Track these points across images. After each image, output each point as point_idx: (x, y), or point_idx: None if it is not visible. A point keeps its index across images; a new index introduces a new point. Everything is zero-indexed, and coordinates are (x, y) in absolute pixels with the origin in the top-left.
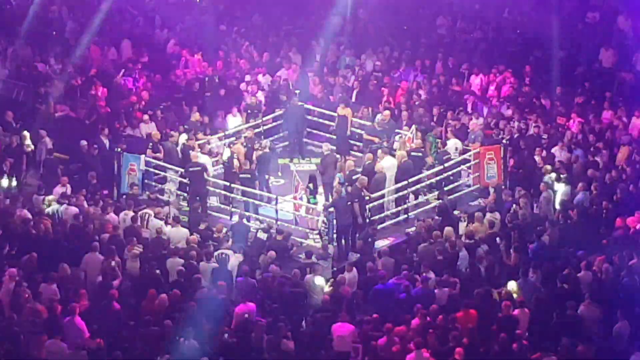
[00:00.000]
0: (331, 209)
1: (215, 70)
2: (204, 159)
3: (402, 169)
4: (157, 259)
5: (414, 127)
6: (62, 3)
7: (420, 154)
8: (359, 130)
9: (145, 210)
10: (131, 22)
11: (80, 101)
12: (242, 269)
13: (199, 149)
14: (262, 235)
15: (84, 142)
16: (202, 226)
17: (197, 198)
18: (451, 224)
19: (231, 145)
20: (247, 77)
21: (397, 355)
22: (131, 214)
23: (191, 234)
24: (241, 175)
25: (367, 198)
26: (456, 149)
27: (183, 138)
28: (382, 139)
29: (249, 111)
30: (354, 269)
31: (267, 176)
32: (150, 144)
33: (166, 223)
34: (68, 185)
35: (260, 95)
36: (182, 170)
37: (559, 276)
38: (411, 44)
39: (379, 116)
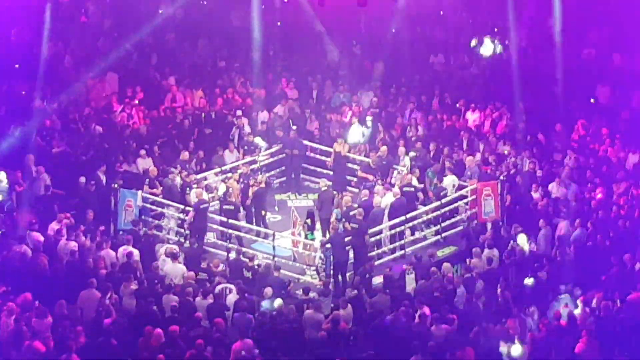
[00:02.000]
0: (328, 245)
1: (213, 106)
2: (205, 196)
3: (395, 206)
4: (153, 295)
5: (406, 157)
6: (59, 39)
7: (412, 189)
8: (355, 167)
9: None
10: (126, 57)
11: (78, 137)
12: (239, 304)
13: (196, 185)
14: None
15: (82, 179)
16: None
17: (197, 235)
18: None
19: (226, 181)
20: (239, 112)
21: None
22: (129, 249)
23: (188, 271)
24: (224, 207)
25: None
26: (453, 185)
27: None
28: (376, 177)
29: (245, 147)
30: (349, 305)
31: (263, 212)
32: (147, 179)
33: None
34: (65, 221)
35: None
36: (183, 207)
37: (555, 312)
38: (407, 80)
39: (372, 154)
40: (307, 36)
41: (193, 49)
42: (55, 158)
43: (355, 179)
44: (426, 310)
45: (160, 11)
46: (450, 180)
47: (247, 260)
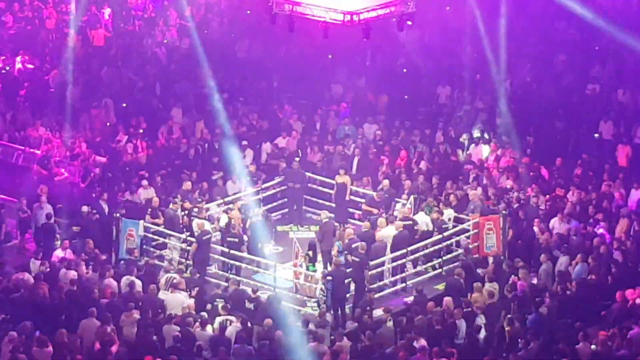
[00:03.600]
0: (329, 277)
1: (215, 136)
2: (207, 226)
3: (397, 239)
4: (154, 325)
5: (411, 197)
6: (64, 67)
7: (410, 222)
8: (358, 199)
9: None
10: (132, 87)
11: (80, 164)
12: (240, 335)
13: (196, 216)
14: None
15: (85, 208)
16: (195, 292)
17: (200, 266)
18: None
19: (228, 212)
20: (244, 142)
21: None
22: (131, 279)
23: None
24: (228, 239)
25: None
26: (449, 219)
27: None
28: (380, 210)
29: (247, 178)
30: (345, 338)
31: (259, 244)
32: (149, 209)
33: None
34: (68, 250)
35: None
36: (185, 237)
37: (557, 348)
38: (411, 113)
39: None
40: (312, 68)
41: (197, 79)
42: (57, 186)
43: (358, 212)
44: (422, 342)
45: (166, 40)
46: (447, 214)
47: (249, 291)
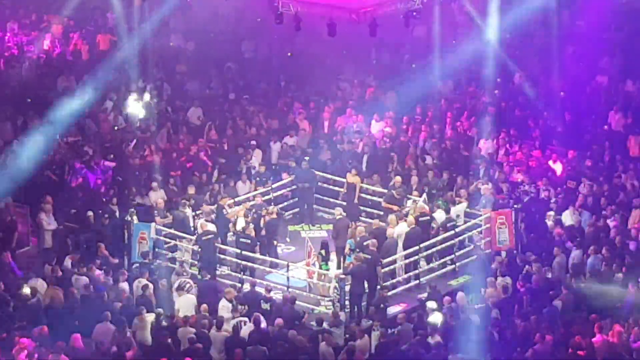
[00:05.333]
0: (342, 276)
1: (224, 138)
2: (210, 227)
3: (410, 236)
4: (168, 327)
5: (424, 195)
6: (71, 73)
7: (428, 218)
8: (370, 197)
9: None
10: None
11: (93, 170)
12: (253, 337)
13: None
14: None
15: (90, 213)
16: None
17: (207, 267)
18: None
19: (248, 215)
20: (253, 142)
21: None
22: (144, 282)
23: (200, 303)
24: (241, 240)
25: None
26: (457, 216)
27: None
28: (401, 207)
29: (257, 179)
30: (366, 335)
31: (275, 242)
32: (156, 211)
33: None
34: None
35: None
36: (194, 238)
37: (572, 342)
38: (420, 108)
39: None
40: (319, 66)
41: (204, 81)
42: (70, 191)
43: (369, 210)
44: (437, 338)
45: (171, 44)
46: (461, 207)
47: (263, 292)
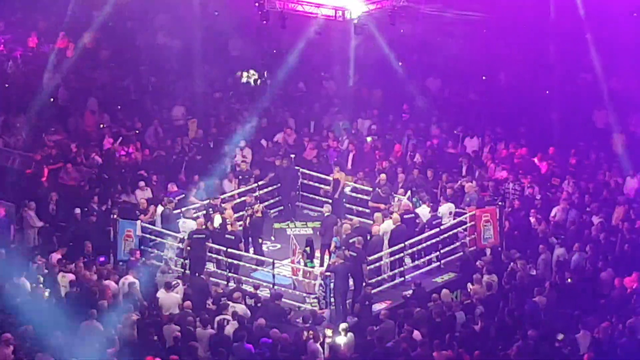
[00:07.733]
0: (328, 273)
1: (210, 136)
2: (190, 224)
3: (395, 233)
4: (154, 325)
5: (409, 192)
6: (56, 71)
7: (412, 215)
8: (356, 195)
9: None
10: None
11: (77, 169)
12: (239, 334)
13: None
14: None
15: (78, 210)
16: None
17: (196, 264)
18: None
19: (223, 211)
20: (242, 143)
21: None
22: (130, 279)
23: (185, 300)
24: (226, 236)
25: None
26: (450, 213)
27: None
28: (387, 205)
29: (240, 177)
30: (350, 333)
31: (260, 240)
32: (139, 209)
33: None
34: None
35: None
36: (182, 236)
37: (556, 338)
38: (406, 106)
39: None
40: (305, 64)
41: (190, 79)
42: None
43: (355, 207)
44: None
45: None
46: (446, 208)
47: (250, 289)
